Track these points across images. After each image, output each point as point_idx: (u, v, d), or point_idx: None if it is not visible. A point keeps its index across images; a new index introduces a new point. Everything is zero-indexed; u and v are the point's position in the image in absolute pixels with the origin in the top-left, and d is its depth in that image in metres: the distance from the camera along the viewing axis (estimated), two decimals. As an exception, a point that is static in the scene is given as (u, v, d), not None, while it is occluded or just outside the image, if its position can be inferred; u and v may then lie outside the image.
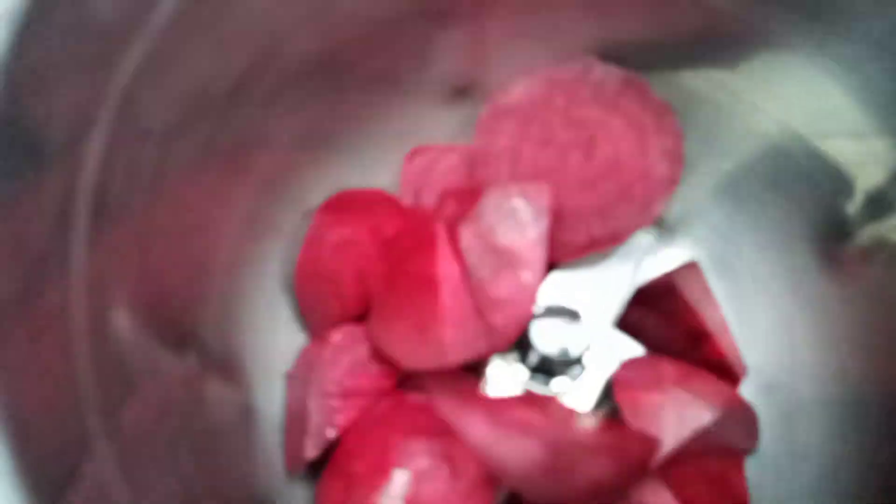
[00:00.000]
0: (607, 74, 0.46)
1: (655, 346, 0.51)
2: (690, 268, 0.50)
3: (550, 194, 0.43)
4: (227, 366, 0.39)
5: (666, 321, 0.49)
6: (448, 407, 0.36)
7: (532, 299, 0.42)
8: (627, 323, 0.51)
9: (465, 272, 0.42)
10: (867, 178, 0.44)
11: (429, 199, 0.50)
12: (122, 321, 0.30)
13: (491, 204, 0.43)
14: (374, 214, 0.46)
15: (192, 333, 0.36)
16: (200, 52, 0.34)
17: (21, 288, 0.26)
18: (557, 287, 0.46)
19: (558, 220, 0.45)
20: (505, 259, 0.42)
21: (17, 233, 0.26)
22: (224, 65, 0.35)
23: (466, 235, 0.42)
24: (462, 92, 0.49)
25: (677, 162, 0.44)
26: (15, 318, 0.26)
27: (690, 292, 0.49)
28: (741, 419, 0.45)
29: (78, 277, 0.28)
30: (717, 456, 0.44)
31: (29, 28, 0.27)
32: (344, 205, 0.46)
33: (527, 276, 0.42)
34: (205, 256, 0.38)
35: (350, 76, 0.43)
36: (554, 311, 0.46)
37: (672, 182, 0.44)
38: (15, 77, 0.26)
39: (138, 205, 0.32)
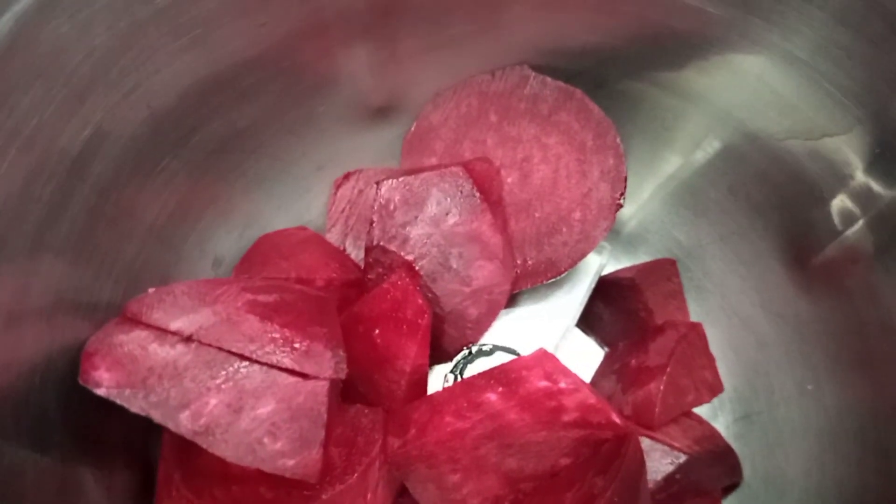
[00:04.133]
0: (544, 87, 0.42)
1: (609, 342, 0.48)
2: (661, 266, 0.46)
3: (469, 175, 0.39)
4: (109, 446, 0.34)
5: (624, 318, 0.46)
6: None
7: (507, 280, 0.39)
8: (585, 315, 0.47)
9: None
10: (829, 182, 0.39)
11: (359, 229, 0.45)
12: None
13: (426, 191, 0.39)
14: (301, 264, 0.41)
15: (58, 418, 0.31)
16: (36, 97, 0.29)
17: None
18: (496, 329, 0.42)
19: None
20: (471, 246, 0.39)
21: None
22: (68, 112, 0.30)
23: (419, 236, 0.39)
24: (384, 111, 0.44)
25: (619, 183, 0.40)
26: None
27: (653, 293, 0.45)
28: (717, 457, 0.42)
29: None
30: (694, 496, 0.40)
31: None
32: (264, 256, 0.41)
33: (496, 255, 0.39)
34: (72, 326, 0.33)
35: (245, 105, 0.38)
36: (493, 351, 0.41)
37: (614, 206, 0.39)
38: None
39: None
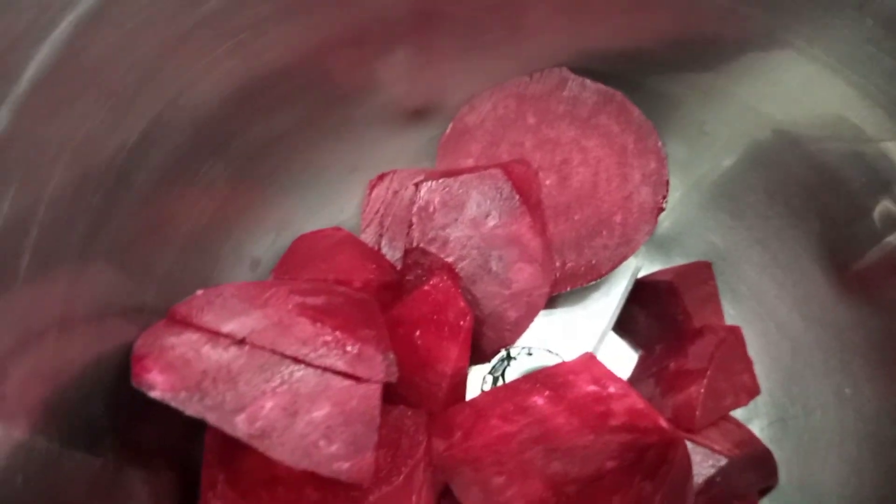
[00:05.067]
0: (583, 89, 0.42)
1: (644, 345, 0.48)
2: (698, 269, 0.46)
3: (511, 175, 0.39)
4: (154, 449, 0.35)
5: (661, 321, 0.46)
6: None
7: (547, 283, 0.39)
8: (620, 317, 0.47)
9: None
10: (872, 187, 0.39)
11: (394, 230, 0.46)
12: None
13: (465, 193, 0.39)
14: (338, 266, 0.41)
15: (107, 423, 0.32)
16: (86, 107, 0.29)
17: None
18: (536, 331, 0.42)
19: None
20: (511, 248, 0.39)
21: None
22: (115, 120, 0.31)
23: (459, 238, 0.39)
24: (419, 114, 0.44)
25: (661, 187, 0.40)
26: None
27: (691, 297, 0.45)
28: (755, 461, 0.42)
29: None
30: (731, 499, 0.40)
31: None
32: (302, 258, 0.41)
33: (535, 258, 0.39)
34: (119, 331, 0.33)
35: (284, 110, 0.39)
36: (531, 353, 0.41)
37: (656, 210, 0.40)
38: None
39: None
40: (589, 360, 0.34)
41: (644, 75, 0.43)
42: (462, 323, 0.37)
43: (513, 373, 0.41)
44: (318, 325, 0.30)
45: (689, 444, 0.39)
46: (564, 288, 0.41)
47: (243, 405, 0.28)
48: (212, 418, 0.28)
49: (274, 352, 0.29)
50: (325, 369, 0.29)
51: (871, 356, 0.41)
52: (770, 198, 0.45)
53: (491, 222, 0.39)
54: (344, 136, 0.43)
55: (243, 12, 0.33)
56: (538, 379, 0.35)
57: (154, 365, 0.29)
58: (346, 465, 0.28)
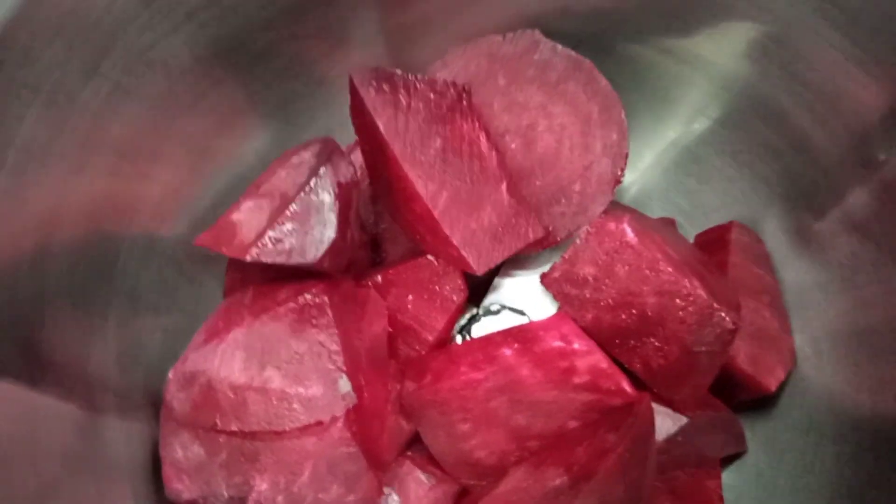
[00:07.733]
0: (554, 54, 0.43)
1: None
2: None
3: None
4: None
5: None
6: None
7: None
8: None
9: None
10: (836, 152, 0.41)
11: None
12: None
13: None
14: None
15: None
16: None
17: None
18: (502, 291, 0.44)
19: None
20: None
21: None
22: (92, 66, 0.32)
23: None
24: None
25: (620, 159, 0.41)
26: None
27: None
28: (719, 424, 0.43)
29: None
30: (693, 465, 0.42)
31: None
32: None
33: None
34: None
35: (258, 66, 0.40)
36: (500, 311, 0.43)
37: (614, 182, 0.41)
38: None
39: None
40: (560, 318, 0.36)
41: (614, 39, 0.45)
42: (455, 298, 0.39)
43: (479, 331, 0.43)
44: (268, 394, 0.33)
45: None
46: (523, 252, 0.42)
47: (244, 493, 0.32)
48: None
49: (243, 434, 0.32)
50: (291, 433, 0.32)
51: (830, 313, 0.43)
52: (736, 161, 0.47)
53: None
54: (319, 97, 0.45)
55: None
56: (511, 333, 0.37)
57: (174, 476, 0.33)
58: (352, 498, 0.32)
